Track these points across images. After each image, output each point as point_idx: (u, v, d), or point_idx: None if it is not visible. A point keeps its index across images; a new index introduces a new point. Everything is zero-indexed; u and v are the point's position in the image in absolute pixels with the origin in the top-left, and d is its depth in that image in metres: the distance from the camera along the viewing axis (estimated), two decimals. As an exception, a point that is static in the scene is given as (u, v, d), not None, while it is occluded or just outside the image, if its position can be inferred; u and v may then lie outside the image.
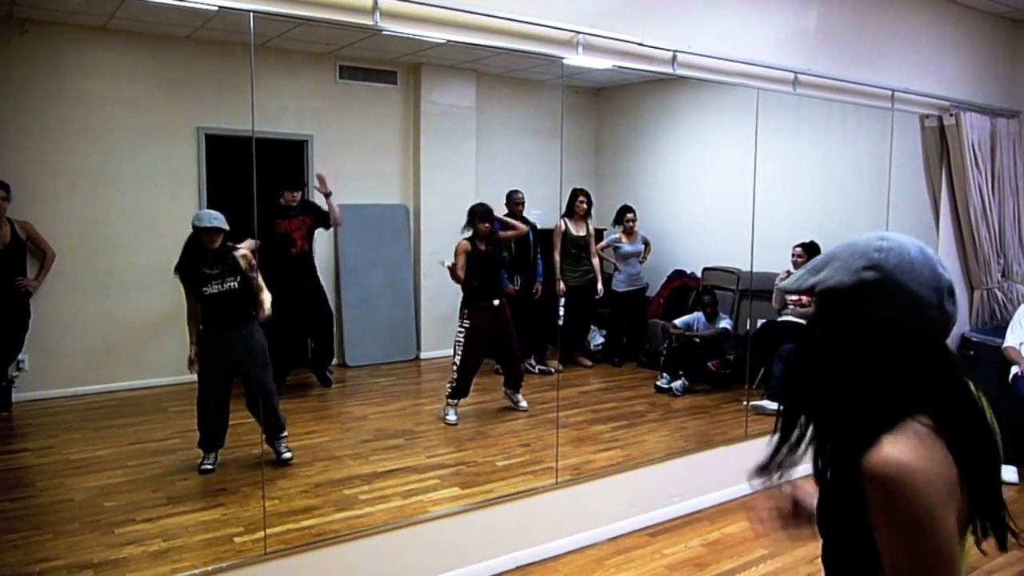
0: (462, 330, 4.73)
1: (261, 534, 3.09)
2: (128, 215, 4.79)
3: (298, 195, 4.95)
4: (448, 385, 4.77)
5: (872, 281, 1.10)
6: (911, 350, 1.09)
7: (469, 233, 4.82)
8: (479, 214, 4.81)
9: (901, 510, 1.02)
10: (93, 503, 3.51)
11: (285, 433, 4.01)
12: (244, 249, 3.86)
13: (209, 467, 3.85)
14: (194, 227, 3.72)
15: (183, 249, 3.75)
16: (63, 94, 4.56)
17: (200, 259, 3.75)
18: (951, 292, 1.13)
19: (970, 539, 1.13)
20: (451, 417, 4.75)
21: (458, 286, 4.72)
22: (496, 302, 4.78)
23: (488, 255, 4.80)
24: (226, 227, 3.75)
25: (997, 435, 1.17)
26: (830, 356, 1.14)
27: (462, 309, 4.77)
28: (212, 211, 3.79)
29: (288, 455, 3.97)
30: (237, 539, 3.19)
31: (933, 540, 1.02)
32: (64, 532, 3.22)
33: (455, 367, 4.74)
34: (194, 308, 3.84)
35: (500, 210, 5.78)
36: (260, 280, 3.93)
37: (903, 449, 1.03)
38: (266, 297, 3.89)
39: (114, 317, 4.76)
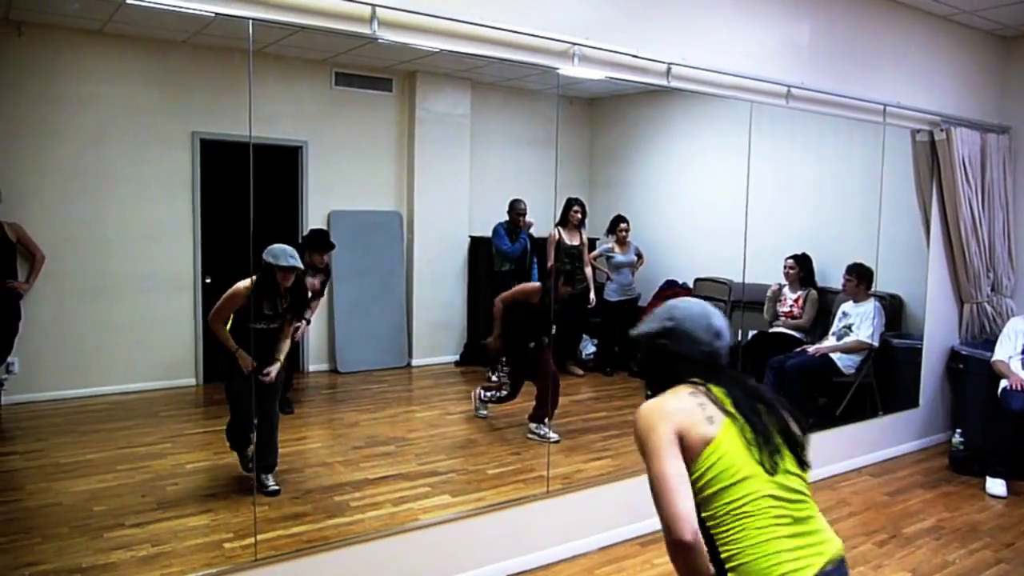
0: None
1: (251, 540, 3.09)
2: (121, 219, 4.77)
3: (327, 259, 4.62)
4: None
5: (669, 325, 1.86)
6: (686, 362, 1.82)
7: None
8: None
9: (637, 433, 1.70)
10: (82, 507, 3.49)
11: (272, 483, 3.79)
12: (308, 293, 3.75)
13: (274, 487, 3.70)
14: (269, 265, 3.57)
15: (256, 285, 3.57)
16: (58, 97, 4.55)
17: (266, 296, 3.61)
18: (718, 335, 1.84)
19: (794, 468, 1.71)
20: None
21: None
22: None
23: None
24: (301, 266, 3.62)
25: (764, 399, 1.79)
26: (647, 360, 1.91)
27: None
28: (287, 247, 3.61)
29: (275, 487, 3.75)
30: (227, 545, 3.18)
31: (651, 445, 1.64)
32: (52, 536, 3.20)
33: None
34: (224, 321, 3.64)
35: (500, 218, 5.81)
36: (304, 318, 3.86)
37: (651, 401, 1.75)
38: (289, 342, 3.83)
39: (105, 321, 4.74)
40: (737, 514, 1.59)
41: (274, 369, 3.74)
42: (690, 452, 1.62)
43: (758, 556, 1.56)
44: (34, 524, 3.33)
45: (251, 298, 3.57)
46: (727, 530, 1.59)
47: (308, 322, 4.43)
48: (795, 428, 1.77)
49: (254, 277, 3.57)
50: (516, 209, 5.67)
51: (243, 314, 3.61)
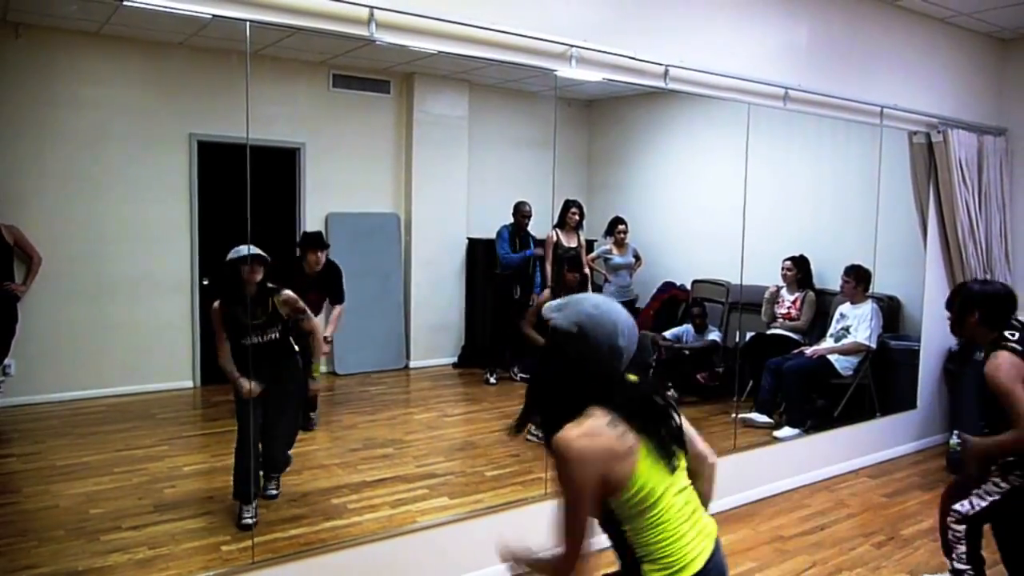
0: None
1: (248, 543, 3.08)
2: (118, 221, 4.77)
3: (323, 257, 4.32)
4: None
5: (574, 332, 1.73)
6: (590, 374, 1.71)
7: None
8: None
9: (560, 468, 1.64)
10: (79, 510, 3.48)
11: (274, 488, 3.73)
12: (287, 293, 3.49)
13: (250, 520, 3.35)
14: (229, 261, 3.37)
15: (221, 290, 3.42)
16: (56, 99, 4.55)
17: (238, 304, 3.38)
18: (620, 355, 1.74)
19: (682, 460, 1.78)
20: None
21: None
22: None
23: None
24: (262, 253, 3.38)
25: (656, 406, 1.78)
26: (547, 376, 1.78)
27: None
28: (249, 246, 3.36)
29: (275, 492, 3.70)
30: (224, 547, 3.18)
31: (574, 489, 1.63)
32: (49, 539, 3.20)
33: None
34: (226, 351, 3.44)
35: (498, 220, 5.81)
36: (312, 320, 3.66)
37: (571, 430, 1.64)
38: (319, 332, 3.66)
39: (102, 323, 4.74)
40: (655, 523, 1.72)
41: (315, 391, 3.64)
42: (615, 487, 1.68)
43: (672, 553, 1.73)
44: (31, 527, 3.33)
45: (229, 312, 3.38)
46: (645, 536, 1.73)
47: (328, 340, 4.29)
48: (678, 420, 1.82)
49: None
50: (521, 211, 5.67)
51: (234, 333, 3.43)
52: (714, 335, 5.65)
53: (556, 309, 1.82)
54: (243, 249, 3.32)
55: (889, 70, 5.04)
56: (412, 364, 5.95)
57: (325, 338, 4.28)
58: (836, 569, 3.64)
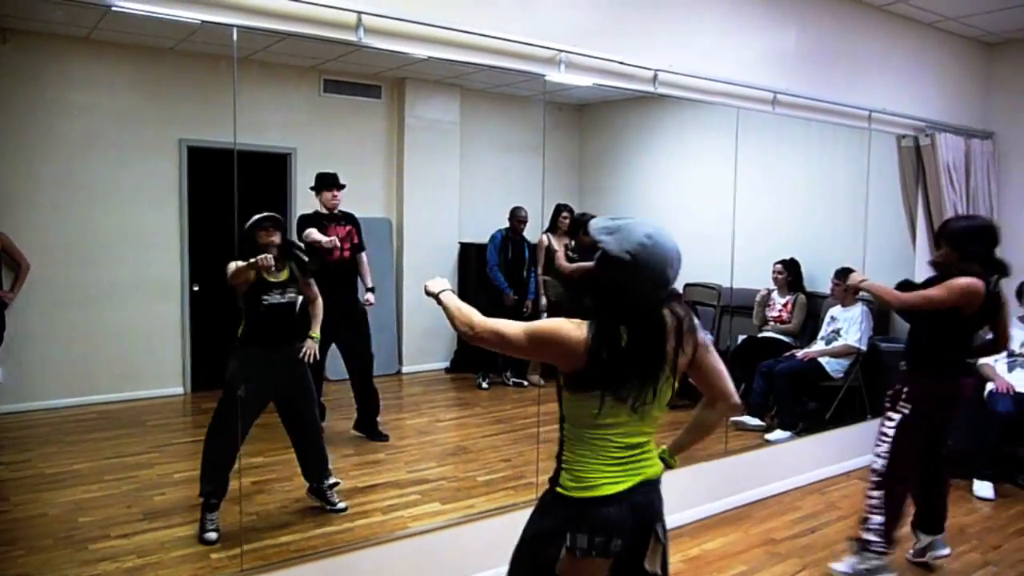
0: None
1: (238, 550, 3.07)
2: (107, 227, 4.75)
3: (340, 196, 4.46)
4: None
5: (626, 260, 1.75)
6: (629, 303, 1.79)
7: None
8: None
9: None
10: (67, 518, 3.46)
11: (332, 480, 3.66)
12: (311, 232, 3.63)
13: (214, 534, 3.28)
14: (248, 228, 3.41)
15: (243, 253, 3.37)
16: (44, 104, 4.53)
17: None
18: (665, 284, 1.81)
19: (655, 411, 1.91)
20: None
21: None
22: None
23: None
24: (279, 216, 3.47)
25: (667, 338, 1.85)
26: (588, 284, 1.84)
27: None
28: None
29: (342, 505, 3.65)
30: (213, 555, 3.16)
31: (533, 327, 1.82)
32: (37, 548, 3.18)
33: None
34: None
35: (497, 225, 5.81)
36: (314, 287, 3.68)
37: (568, 320, 1.80)
38: (319, 300, 3.66)
39: (92, 330, 4.71)
40: (587, 441, 1.86)
41: (310, 347, 3.58)
42: (565, 361, 1.82)
43: (588, 472, 1.86)
44: (19, 536, 3.31)
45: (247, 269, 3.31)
46: (575, 446, 1.89)
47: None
48: (666, 373, 1.89)
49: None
50: (517, 217, 5.68)
51: (255, 289, 3.42)
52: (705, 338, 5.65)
53: (606, 232, 1.80)
54: (257, 216, 3.42)
55: (877, 74, 5.07)
56: (404, 369, 5.93)
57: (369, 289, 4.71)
58: (827, 572, 3.64)
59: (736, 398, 2.04)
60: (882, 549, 3.43)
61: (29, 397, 4.48)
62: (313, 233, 4.18)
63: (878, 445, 3.47)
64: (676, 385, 1.92)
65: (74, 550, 3.17)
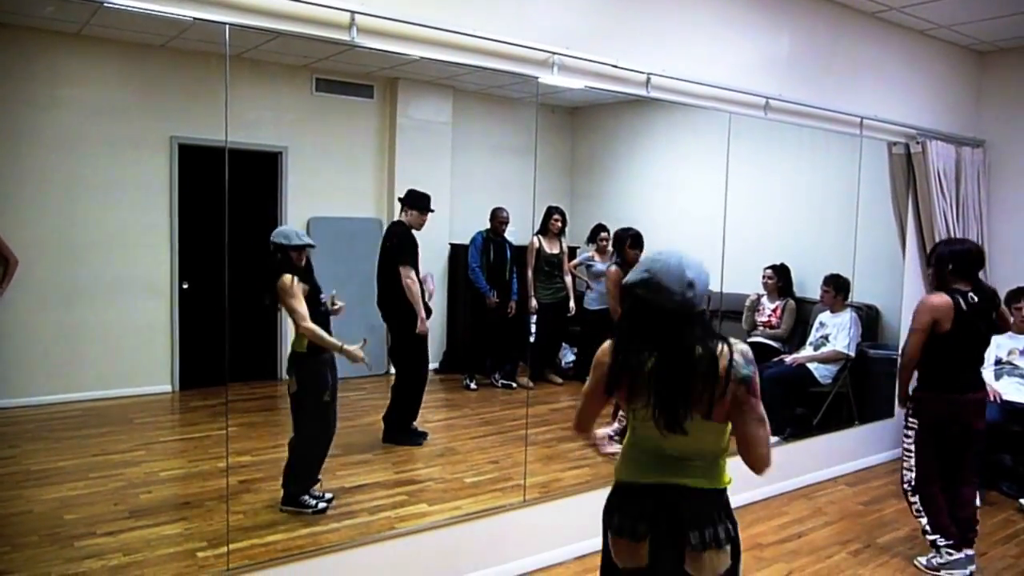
0: None
1: (224, 549, 3.05)
2: (97, 224, 4.72)
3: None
4: None
5: (647, 276, 1.95)
6: (651, 314, 1.95)
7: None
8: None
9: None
10: (53, 515, 3.44)
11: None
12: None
13: (325, 503, 3.63)
14: (281, 246, 3.56)
15: (278, 267, 3.54)
16: (34, 100, 4.50)
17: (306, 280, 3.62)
18: (691, 285, 1.92)
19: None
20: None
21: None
22: None
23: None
24: (313, 244, 3.67)
25: (691, 364, 1.93)
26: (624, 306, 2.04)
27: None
28: (292, 228, 3.72)
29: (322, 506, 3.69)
30: (200, 554, 3.15)
31: (593, 377, 2.09)
32: (22, 545, 3.16)
33: None
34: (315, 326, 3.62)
35: (482, 226, 5.81)
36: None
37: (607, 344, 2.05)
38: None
39: (79, 326, 4.68)
40: (633, 430, 2.11)
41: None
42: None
43: (625, 458, 2.15)
44: (3, 532, 3.28)
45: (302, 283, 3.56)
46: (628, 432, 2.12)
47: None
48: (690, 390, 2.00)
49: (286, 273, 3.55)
50: (498, 217, 5.67)
51: (311, 301, 3.61)
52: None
53: (628, 275, 2.05)
54: (294, 234, 3.59)
55: (869, 81, 5.10)
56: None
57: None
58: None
59: (762, 471, 2.12)
60: (948, 542, 3.68)
61: (15, 393, 4.45)
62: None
63: (903, 459, 3.84)
64: (726, 427, 2.07)
65: (59, 547, 3.15)
